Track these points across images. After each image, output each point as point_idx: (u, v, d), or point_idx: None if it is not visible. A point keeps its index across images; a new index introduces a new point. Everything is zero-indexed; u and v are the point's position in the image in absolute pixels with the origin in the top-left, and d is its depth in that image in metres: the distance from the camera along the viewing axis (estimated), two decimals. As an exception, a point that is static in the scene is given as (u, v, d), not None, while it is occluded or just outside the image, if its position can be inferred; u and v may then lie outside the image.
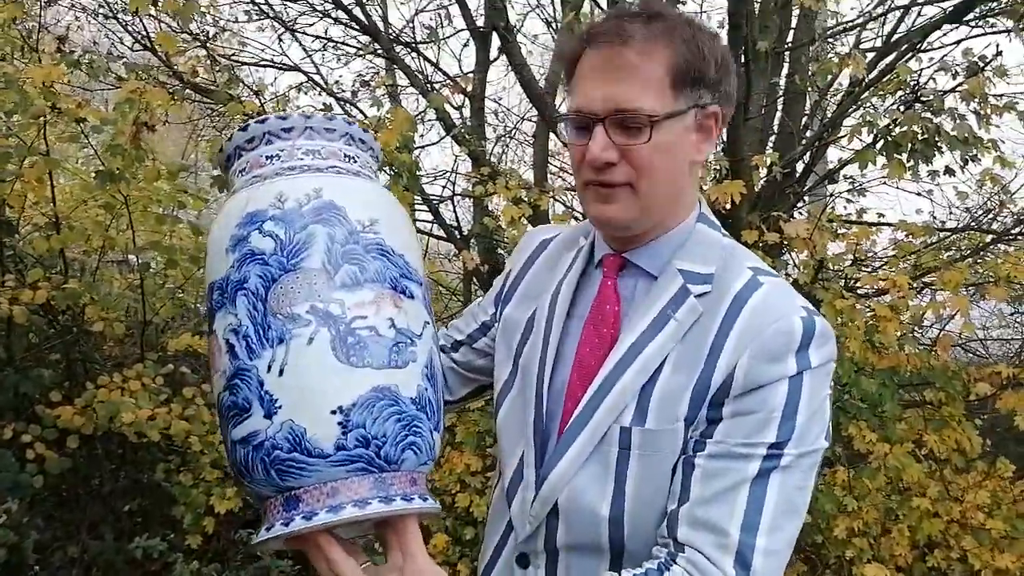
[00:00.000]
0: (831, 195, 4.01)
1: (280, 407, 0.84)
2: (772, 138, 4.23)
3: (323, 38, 4.82)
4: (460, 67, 4.82)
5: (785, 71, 4.23)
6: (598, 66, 0.98)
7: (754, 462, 0.93)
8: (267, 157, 0.95)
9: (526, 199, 3.26)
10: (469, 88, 3.83)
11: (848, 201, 4.37)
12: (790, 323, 0.95)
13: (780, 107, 4.29)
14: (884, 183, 3.95)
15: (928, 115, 2.58)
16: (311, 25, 4.84)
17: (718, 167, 3.13)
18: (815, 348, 0.95)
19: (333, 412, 0.83)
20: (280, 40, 4.58)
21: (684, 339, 0.99)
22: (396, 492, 0.86)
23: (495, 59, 4.54)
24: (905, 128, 2.57)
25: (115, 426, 3.42)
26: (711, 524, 0.91)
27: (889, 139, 2.58)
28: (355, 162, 0.98)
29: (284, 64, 4.53)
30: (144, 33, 3.76)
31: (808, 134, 4.04)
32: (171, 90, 2.87)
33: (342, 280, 0.85)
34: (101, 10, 4.30)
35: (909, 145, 2.55)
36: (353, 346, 0.84)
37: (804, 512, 0.96)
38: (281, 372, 0.84)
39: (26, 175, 3.43)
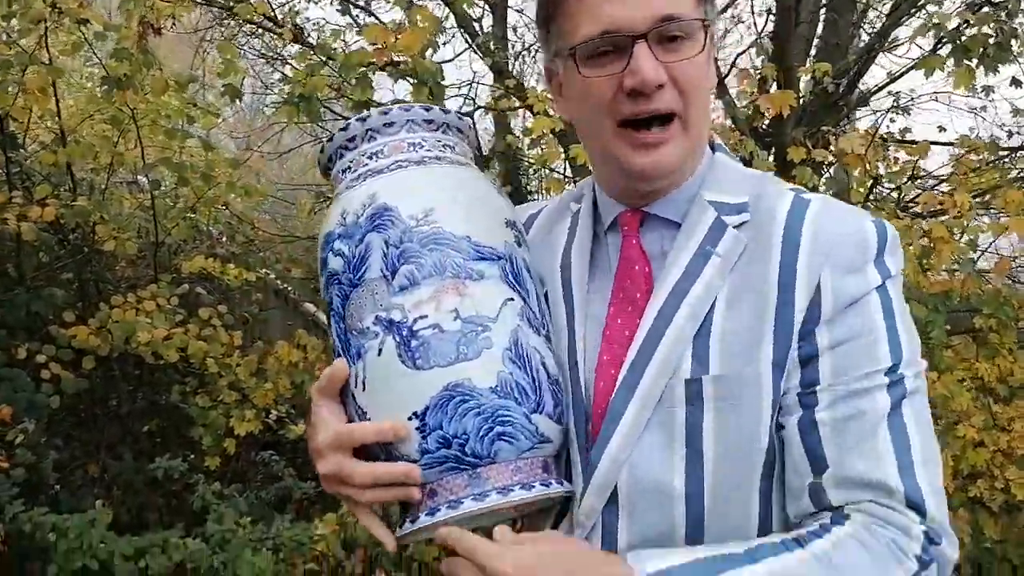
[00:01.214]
0: (885, 111, 3.76)
1: (368, 419, 0.86)
2: (813, 51, 3.97)
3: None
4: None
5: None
6: None
7: (880, 395, 0.81)
8: (343, 171, 0.95)
9: (560, 118, 3.06)
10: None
11: (892, 120, 4.14)
12: (863, 231, 0.85)
13: (823, 16, 4.01)
14: (935, 99, 3.71)
15: (1003, 18, 2.34)
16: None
17: (766, 75, 2.91)
18: (890, 255, 0.86)
19: (410, 419, 0.83)
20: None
21: (733, 274, 0.86)
22: (492, 486, 0.83)
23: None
24: (976, 31, 2.34)
25: (131, 347, 3.36)
26: (864, 481, 0.79)
27: (958, 43, 2.35)
28: (452, 150, 0.95)
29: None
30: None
31: (858, 45, 3.77)
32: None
33: (400, 283, 0.85)
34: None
35: (980, 50, 2.33)
36: (417, 349, 0.83)
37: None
38: (364, 387, 0.86)
39: (28, 84, 3.26)
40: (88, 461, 3.78)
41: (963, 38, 2.35)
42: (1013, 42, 2.31)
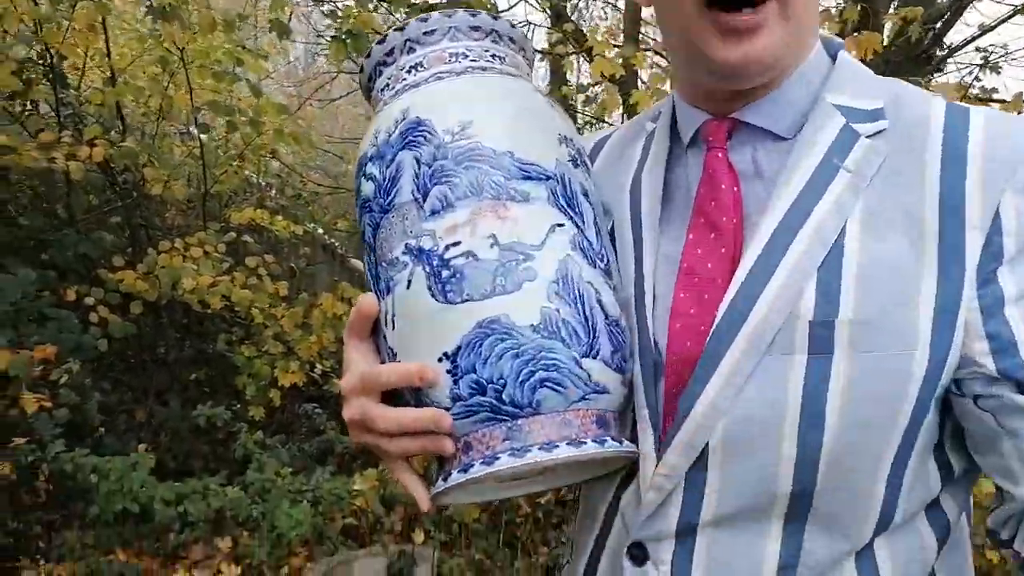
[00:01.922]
0: (965, 67, 3.47)
1: (397, 360, 0.74)
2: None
3: None
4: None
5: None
6: None
7: None
8: (382, 90, 0.84)
9: (617, 57, 2.86)
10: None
11: (977, 79, 3.82)
12: None
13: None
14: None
15: None
16: None
17: (851, 18, 2.67)
18: None
19: (440, 360, 0.71)
20: None
21: (870, 193, 0.69)
22: (534, 440, 0.70)
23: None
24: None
25: (177, 294, 3.35)
26: None
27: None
28: (502, 60, 0.83)
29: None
30: None
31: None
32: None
33: (431, 206, 0.74)
34: None
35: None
36: (448, 280, 0.72)
37: None
38: (393, 325, 0.75)
39: (76, 21, 3.21)
40: (135, 406, 3.81)
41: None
42: None
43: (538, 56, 3.70)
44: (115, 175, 3.76)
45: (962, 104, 0.72)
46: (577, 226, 0.74)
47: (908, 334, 0.65)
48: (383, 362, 0.74)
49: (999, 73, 3.79)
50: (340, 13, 2.61)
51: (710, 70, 0.73)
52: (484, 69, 0.80)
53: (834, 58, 0.77)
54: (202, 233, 3.61)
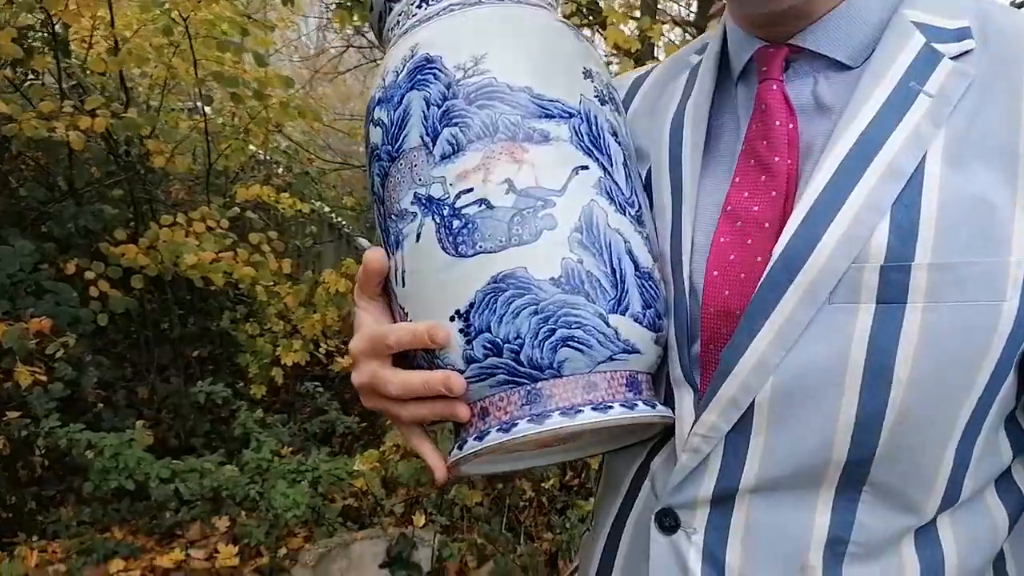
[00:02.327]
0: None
1: (409, 320, 0.69)
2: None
3: None
4: None
5: None
6: None
7: None
8: (391, 29, 0.77)
9: (634, 30, 2.76)
10: None
11: None
12: None
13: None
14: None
15: None
16: None
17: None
18: None
19: (452, 318, 0.65)
20: None
21: (955, 121, 0.60)
22: (556, 405, 0.64)
23: None
24: None
25: (180, 269, 3.29)
26: None
27: None
28: None
29: None
30: None
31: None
32: None
33: (441, 151, 0.68)
34: None
35: None
36: (460, 231, 0.66)
37: None
38: (403, 282, 0.69)
39: (77, -13, 3.13)
40: (137, 383, 3.77)
41: None
42: None
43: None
44: (117, 146, 3.69)
45: None
46: (604, 168, 0.67)
47: (996, 282, 0.56)
48: (395, 322, 0.68)
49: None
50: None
51: (747, 8, 0.66)
52: (500, 0, 0.72)
53: None
54: (205, 208, 3.54)
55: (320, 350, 3.77)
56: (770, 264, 0.60)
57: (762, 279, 0.61)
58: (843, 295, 0.58)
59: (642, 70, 0.85)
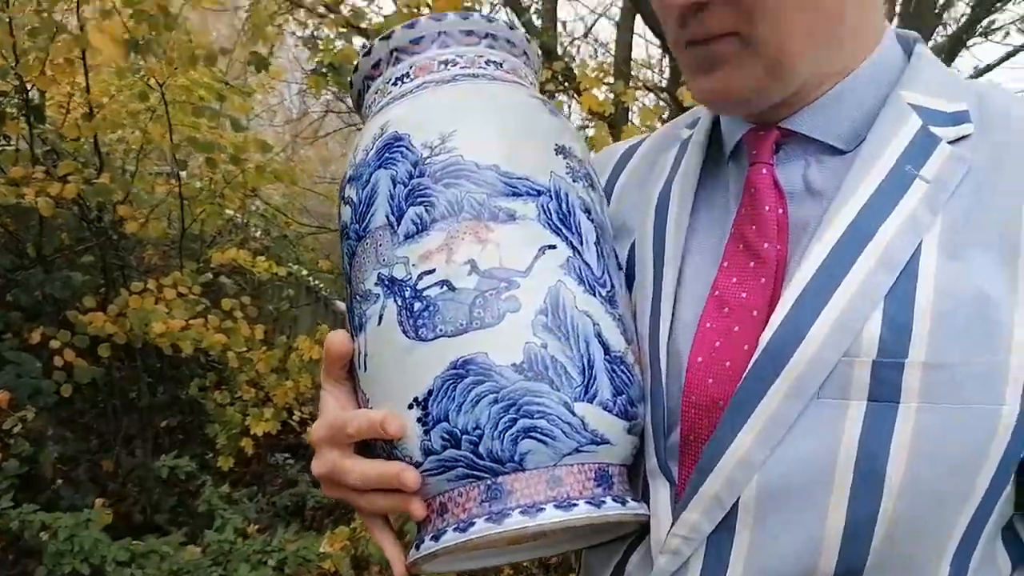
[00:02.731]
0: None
1: (370, 407, 0.66)
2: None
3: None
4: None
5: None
6: None
7: None
8: (369, 106, 0.77)
9: (607, 95, 2.78)
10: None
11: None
12: None
13: (898, 9, 3.67)
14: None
15: None
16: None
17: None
18: None
19: (411, 406, 0.62)
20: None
21: (952, 208, 0.57)
22: (516, 503, 0.59)
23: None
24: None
25: (149, 337, 3.20)
26: None
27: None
28: (499, 66, 0.75)
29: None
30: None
31: (939, 37, 3.43)
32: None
33: (406, 230, 0.66)
34: None
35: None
36: (421, 313, 0.64)
37: None
38: (365, 366, 0.66)
39: (53, 54, 3.12)
40: (103, 455, 3.63)
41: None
42: None
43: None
44: (89, 212, 3.64)
45: None
46: (573, 247, 0.63)
47: (995, 384, 0.52)
48: (358, 407, 0.65)
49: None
50: (321, 45, 2.52)
51: (698, 98, 0.64)
52: (476, 76, 0.71)
53: (910, 54, 0.65)
54: (177, 273, 3.48)
55: (293, 418, 3.67)
56: (756, 354, 0.57)
57: (748, 369, 0.57)
58: (832, 390, 0.54)
59: (632, 141, 0.83)
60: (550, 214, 0.64)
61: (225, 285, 3.79)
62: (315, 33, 3.36)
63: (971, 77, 3.51)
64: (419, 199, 0.64)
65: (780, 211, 0.62)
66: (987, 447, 0.53)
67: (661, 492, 0.60)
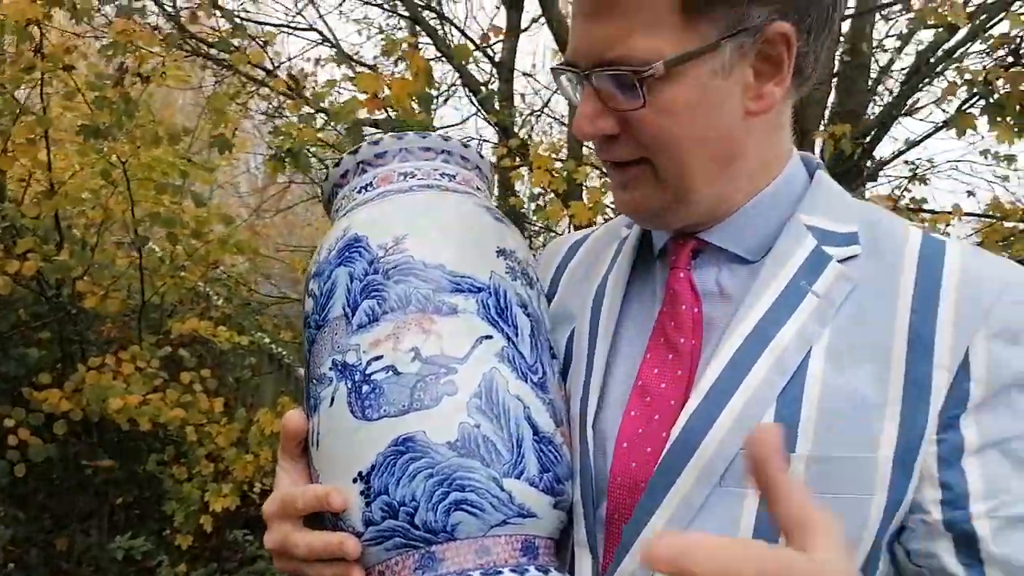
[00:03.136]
0: (897, 178, 3.61)
1: (320, 482, 0.72)
2: (826, 115, 3.85)
3: None
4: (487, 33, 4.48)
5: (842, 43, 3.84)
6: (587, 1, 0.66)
7: None
8: (335, 212, 0.86)
9: (560, 171, 2.91)
10: (498, 37, 3.49)
11: (906, 191, 3.98)
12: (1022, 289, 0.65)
13: (835, 83, 3.90)
14: (955, 167, 3.54)
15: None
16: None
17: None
18: None
19: (355, 480, 0.68)
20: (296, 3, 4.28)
21: (839, 321, 0.65)
22: (447, 570, 0.65)
23: (527, 27, 4.21)
24: (1010, 89, 2.18)
25: (105, 412, 3.17)
26: None
27: (991, 100, 2.19)
28: (451, 179, 0.84)
29: (298, 26, 4.23)
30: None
31: (873, 111, 3.64)
32: (164, 36, 2.56)
33: (358, 320, 0.73)
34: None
35: (1017, 106, 2.16)
36: (368, 395, 0.70)
37: None
38: (317, 444, 0.72)
39: (15, 135, 3.16)
40: (58, 534, 3.54)
41: (996, 95, 2.19)
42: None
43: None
44: (49, 289, 3.63)
45: (939, 236, 0.71)
46: (508, 338, 0.71)
47: (867, 476, 0.60)
48: (310, 483, 0.70)
49: (927, 184, 3.96)
50: (282, 130, 2.61)
51: (620, 209, 0.74)
52: (430, 187, 0.80)
53: (812, 174, 0.74)
54: (135, 348, 3.46)
55: (254, 490, 3.62)
56: (669, 443, 0.64)
57: (661, 457, 0.64)
58: (732, 479, 0.62)
59: (579, 235, 0.92)
60: (488, 308, 0.72)
61: (184, 358, 3.77)
62: (278, 109, 3.46)
63: (902, 151, 3.74)
64: (372, 293, 0.71)
65: (695, 310, 0.70)
66: (861, 532, 0.61)
67: (585, 563, 0.66)
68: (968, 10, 2.48)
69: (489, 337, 0.70)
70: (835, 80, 3.83)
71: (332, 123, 2.44)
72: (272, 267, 6.13)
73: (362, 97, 2.38)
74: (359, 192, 0.82)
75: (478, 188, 0.84)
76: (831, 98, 3.92)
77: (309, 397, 0.73)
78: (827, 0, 0.67)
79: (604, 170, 0.78)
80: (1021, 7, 2.52)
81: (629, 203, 0.71)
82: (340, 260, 0.75)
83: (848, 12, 3.62)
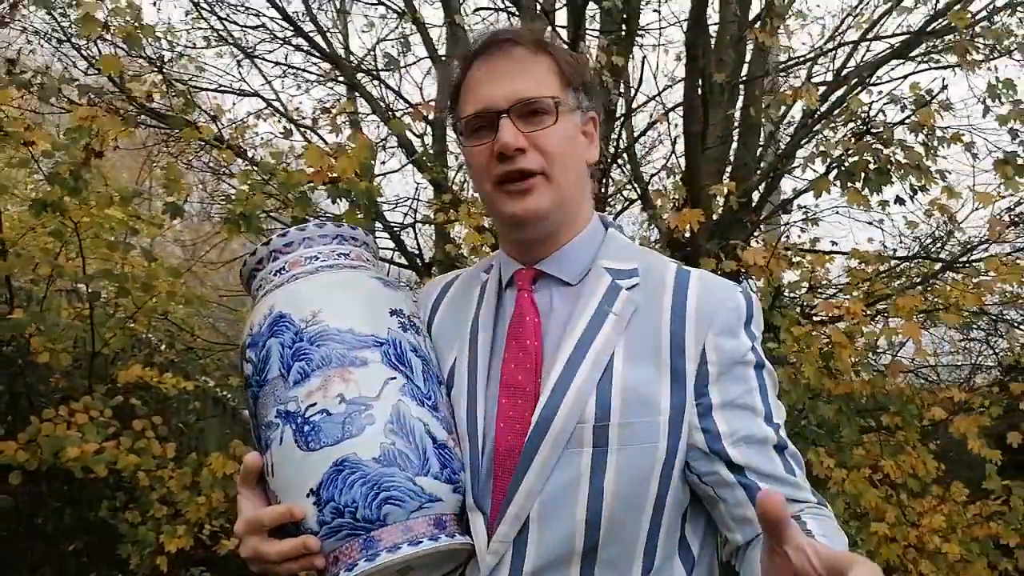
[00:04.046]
0: (786, 224, 4.09)
1: (280, 502, 0.95)
2: (729, 168, 4.31)
3: (284, 64, 4.80)
4: (422, 96, 4.83)
5: (740, 104, 4.33)
6: (492, 70, 1.04)
7: (770, 435, 0.99)
8: (256, 290, 1.07)
9: (488, 227, 3.25)
10: (431, 116, 3.83)
11: (802, 231, 4.49)
12: (736, 298, 1.02)
13: (736, 139, 4.38)
14: (836, 212, 4.04)
15: (879, 146, 2.64)
16: (271, 52, 4.82)
17: (677, 196, 3.17)
18: (757, 320, 1.04)
19: (308, 495, 0.92)
20: (239, 66, 4.54)
21: (628, 331, 1.00)
22: (383, 546, 0.91)
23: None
24: (857, 158, 2.63)
25: (60, 461, 3.28)
26: (797, 501, 0.98)
27: (843, 168, 2.64)
28: (347, 257, 1.07)
29: (243, 90, 4.48)
30: (96, 57, 3.68)
31: (763, 165, 4.12)
32: (125, 115, 2.80)
33: (294, 378, 0.95)
34: (54, 34, 4.21)
35: (862, 174, 2.61)
36: (309, 433, 0.93)
37: None
38: (273, 473, 0.96)
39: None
40: (7, 584, 3.59)
41: (847, 163, 2.64)
42: (889, 166, 2.60)
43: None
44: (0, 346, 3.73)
45: (687, 268, 1.07)
46: (407, 376, 0.98)
47: (654, 431, 0.96)
48: (269, 505, 0.97)
49: (817, 225, 4.46)
50: (234, 196, 2.87)
51: (508, 224, 1.07)
52: (332, 266, 1.04)
53: (607, 228, 1.12)
54: (88, 398, 3.58)
55: (203, 532, 3.75)
56: (532, 425, 0.99)
57: (528, 434, 0.98)
58: (574, 444, 0.97)
59: (449, 276, 1.24)
60: (390, 356, 0.98)
61: (136, 405, 3.91)
62: (225, 170, 3.69)
63: (785, 200, 4.22)
64: (301, 357, 0.96)
65: (536, 320, 1.06)
66: (653, 468, 0.96)
67: (478, 522, 0.99)
68: (820, 92, 2.94)
69: (393, 378, 0.97)
70: (735, 134, 4.31)
71: (282, 193, 2.72)
72: (208, 313, 6.22)
73: (309, 171, 2.68)
74: (274, 275, 1.04)
75: (368, 260, 1.10)
76: (732, 150, 4.40)
77: (260, 440, 0.97)
78: (602, 115, 1.11)
79: (488, 205, 1.10)
80: (855, 92, 3.00)
81: (526, 206, 1.02)
82: (271, 332, 0.98)
83: (742, 79, 4.11)
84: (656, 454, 0.96)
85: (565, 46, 1.12)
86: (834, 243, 3.56)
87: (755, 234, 3.86)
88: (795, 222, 3.73)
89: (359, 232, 1.10)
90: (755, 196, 4.06)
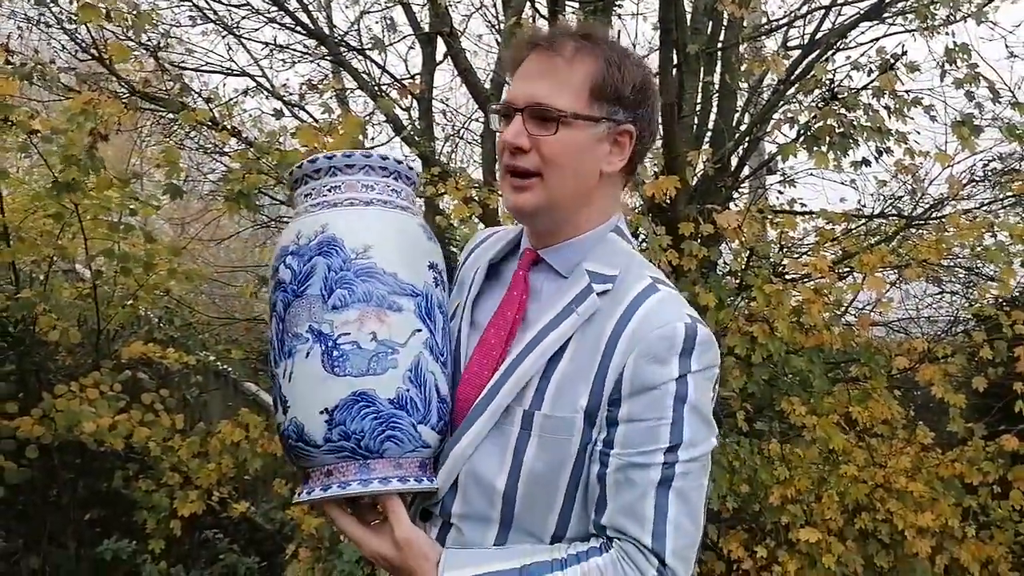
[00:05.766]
0: (761, 188, 4.24)
1: (289, 406, 1.03)
2: (708, 135, 4.44)
3: (269, 43, 4.87)
4: (407, 68, 4.93)
5: (719, 70, 4.44)
6: (531, 68, 1.10)
7: (654, 471, 1.01)
8: (305, 196, 1.11)
9: (476, 198, 3.39)
10: (417, 92, 3.94)
11: (780, 192, 4.63)
12: (673, 328, 1.03)
13: (715, 105, 4.50)
14: (811, 175, 4.20)
15: (843, 111, 2.79)
16: (256, 30, 4.89)
17: (656, 163, 3.31)
18: (697, 354, 1.03)
19: (321, 412, 1.00)
20: (229, 48, 4.62)
21: (582, 332, 1.07)
22: (376, 475, 1.02)
23: (441, 61, 4.65)
24: (822, 123, 2.77)
25: (75, 435, 3.42)
26: (629, 534, 1.01)
27: (808, 133, 2.78)
28: (399, 195, 1.12)
29: (231, 69, 4.56)
30: (88, 42, 3.76)
31: (741, 130, 4.25)
32: (124, 100, 2.91)
33: (333, 303, 1.01)
34: (42, 19, 4.27)
35: (827, 138, 2.76)
36: (337, 359, 1.00)
37: (703, 504, 1.06)
38: (290, 379, 1.03)
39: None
40: (27, 554, 3.75)
41: (812, 129, 2.78)
42: (852, 131, 2.75)
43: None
44: (6, 325, 3.86)
45: (659, 286, 1.09)
46: (431, 332, 1.08)
47: (572, 426, 1.06)
48: (273, 405, 1.07)
49: (794, 186, 4.61)
50: (230, 176, 3.00)
51: (507, 207, 1.16)
52: (385, 203, 1.10)
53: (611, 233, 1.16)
54: (97, 374, 3.72)
55: (212, 498, 3.92)
56: (480, 395, 1.07)
57: (475, 403, 1.07)
58: (507, 420, 1.07)
59: (501, 228, 1.34)
60: (421, 309, 1.06)
61: (143, 380, 4.06)
62: (219, 148, 3.79)
63: (756, 169, 4.35)
64: (345, 285, 1.01)
65: (524, 297, 1.13)
66: (568, 456, 1.05)
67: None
68: (794, 57, 3.07)
69: (420, 330, 1.06)
70: (714, 100, 4.43)
71: (277, 171, 2.84)
72: (203, 286, 6.34)
73: (303, 150, 2.80)
74: (328, 191, 1.07)
75: (414, 202, 1.16)
76: (711, 116, 4.52)
77: (284, 344, 1.03)
78: (653, 126, 1.17)
79: (510, 184, 1.13)
80: (824, 57, 3.13)
81: (518, 202, 1.08)
82: (319, 251, 1.03)
83: (718, 46, 4.22)
84: (571, 446, 1.04)
85: (625, 51, 1.14)
86: (803, 204, 3.71)
87: (734, 197, 4.01)
88: (771, 185, 3.88)
89: (413, 173, 1.15)
90: (734, 161, 4.20)
